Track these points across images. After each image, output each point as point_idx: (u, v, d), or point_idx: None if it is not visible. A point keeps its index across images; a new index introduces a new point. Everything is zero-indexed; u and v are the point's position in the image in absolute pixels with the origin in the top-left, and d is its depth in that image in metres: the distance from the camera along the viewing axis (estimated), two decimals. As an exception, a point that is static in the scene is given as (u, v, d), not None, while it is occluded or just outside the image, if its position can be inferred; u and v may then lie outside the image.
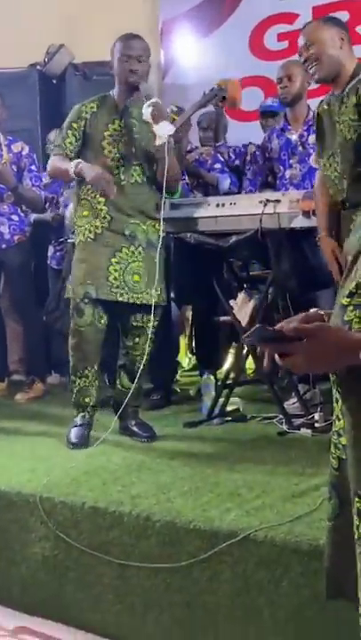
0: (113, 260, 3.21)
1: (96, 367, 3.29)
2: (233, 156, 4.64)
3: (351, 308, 1.33)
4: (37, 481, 2.71)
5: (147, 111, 3.07)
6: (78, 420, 3.28)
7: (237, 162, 4.63)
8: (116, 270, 3.21)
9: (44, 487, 2.64)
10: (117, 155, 3.21)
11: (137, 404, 3.38)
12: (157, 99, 3.15)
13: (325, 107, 2.91)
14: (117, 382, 3.42)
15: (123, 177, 3.21)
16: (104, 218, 3.23)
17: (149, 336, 3.27)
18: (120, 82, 3.25)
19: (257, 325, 1.31)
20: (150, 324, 3.24)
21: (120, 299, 3.20)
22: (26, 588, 2.63)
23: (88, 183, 3.16)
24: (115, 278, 3.21)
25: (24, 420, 3.81)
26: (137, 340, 3.30)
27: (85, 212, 3.27)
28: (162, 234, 3.25)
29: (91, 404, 3.31)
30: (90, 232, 3.25)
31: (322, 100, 3.01)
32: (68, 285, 3.40)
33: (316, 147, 3.13)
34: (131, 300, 3.21)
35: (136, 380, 3.29)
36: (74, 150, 3.26)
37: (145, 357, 3.25)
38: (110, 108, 3.26)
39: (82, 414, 3.29)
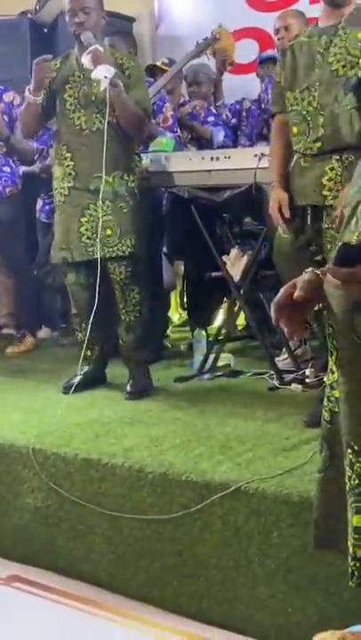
0: (82, 219, 3.22)
1: (93, 321, 3.24)
2: (230, 115, 4.59)
3: None
4: (30, 433, 2.73)
5: (86, 59, 3.04)
6: (81, 370, 3.33)
7: (234, 120, 4.58)
8: (87, 230, 3.21)
9: (36, 439, 2.66)
10: (78, 105, 3.20)
11: (137, 356, 3.38)
12: (96, 45, 3.07)
13: (305, 39, 2.77)
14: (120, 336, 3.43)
15: (84, 126, 3.19)
16: (69, 175, 3.23)
17: (133, 288, 3.28)
18: (74, 36, 3.20)
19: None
20: (122, 274, 3.25)
21: (95, 256, 3.19)
22: (19, 538, 2.66)
23: (37, 82, 3.18)
24: (88, 238, 3.22)
25: (15, 374, 3.82)
26: (120, 292, 3.30)
27: (57, 174, 3.30)
28: (132, 184, 3.23)
29: (93, 356, 3.37)
30: (60, 195, 3.29)
31: (296, 35, 2.94)
32: (52, 250, 3.43)
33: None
34: (107, 255, 3.21)
35: (122, 334, 3.34)
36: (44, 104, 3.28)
37: (135, 310, 3.30)
38: (70, 63, 3.25)
39: (85, 366, 3.35)
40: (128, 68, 3.23)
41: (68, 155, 3.24)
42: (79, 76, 3.21)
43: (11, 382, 3.64)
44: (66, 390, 3.22)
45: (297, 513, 2.05)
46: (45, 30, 5.75)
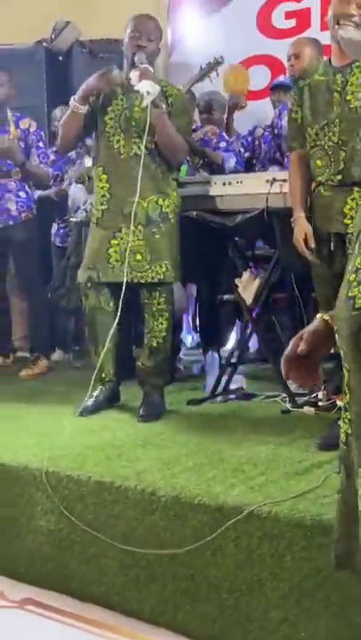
0: (113, 241, 3.23)
1: (109, 345, 3.28)
2: (243, 150, 4.62)
3: (355, 284, 1.36)
4: (43, 455, 2.73)
5: (134, 74, 3.09)
6: (94, 392, 3.33)
7: (247, 154, 4.61)
8: (116, 252, 3.22)
9: (49, 461, 2.67)
10: (118, 129, 3.22)
11: (154, 381, 3.38)
12: (147, 65, 3.13)
13: (321, 77, 2.87)
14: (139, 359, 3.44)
15: (123, 150, 3.22)
16: (103, 197, 3.26)
17: (163, 314, 3.30)
18: (126, 57, 3.25)
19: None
20: (156, 302, 3.26)
21: (122, 279, 3.19)
22: (32, 561, 2.66)
23: (89, 90, 3.20)
24: (116, 260, 3.22)
25: (29, 397, 3.84)
26: (147, 318, 3.32)
27: (96, 194, 3.32)
28: (166, 209, 3.25)
29: (107, 378, 3.37)
30: (94, 216, 3.31)
31: (305, 71, 3.01)
32: (79, 271, 3.43)
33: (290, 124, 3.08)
34: (135, 280, 3.21)
35: (142, 358, 3.35)
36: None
37: (160, 336, 3.31)
38: (110, 85, 3.26)
39: (99, 387, 3.35)
40: (171, 95, 3.27)
41: (105, 177, 3.26)
42: (122, 100, 3.24)
43: (24, 405, 3.66)
44: (80, 413, 3.23)
45: (310, 537, 2.05)
46: (61, 58, 5.87)
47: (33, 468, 2.67)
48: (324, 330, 1.44)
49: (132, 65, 3.17)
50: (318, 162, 2.87)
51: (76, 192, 4.48)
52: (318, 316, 1.50)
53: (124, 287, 3.14)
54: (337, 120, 2.80)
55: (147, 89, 3.02)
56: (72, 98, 3.29)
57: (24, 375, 4.38)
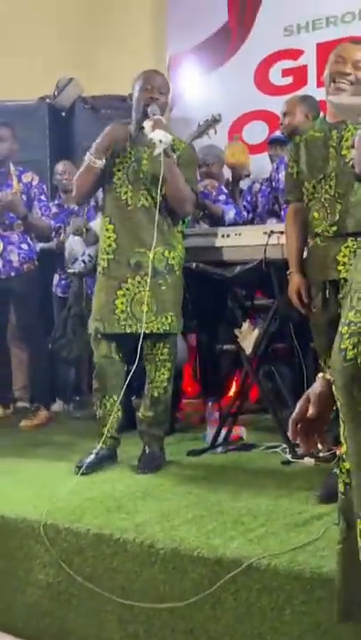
0: (119, 292, 3.25)
1: (115, 398, 3.29)
2: (246, 215, 4.69)
3: (347, 336, 1.39)
4: (42, 507, 2.72)
5: (147, 124, 3.14)
6: (95, 448, 3.29)
7: (250, 215, 4.69)
8: (122, 303, 3.24)
9: (48, 514, 2.66)
10: (126, 181, 3.27)
11: (154, 432, 3.37)
12: (160, 116, 3.19)
13: (317, 134, 2.95)
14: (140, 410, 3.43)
15: (130, 202, 3.26)
16: (109, 246, 3.29)
17: (165, 365, 3.31)
18: (137, 111, 3.29)
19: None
20: (160, 352, 3.28)
21: (129, 330, 3.21)
22: (30, 615, 2.63)
23: (103, 144, 3.26)
24: (122, 311, 3.24)
25: (28, 447, 3.83)
26: (150, 368, 3.33)
27: (102, 244, 3.35)
28: (172, 261, 3.29)
29: (109, 435, 3.31)
30: (100, 266, 3.33)
31: (296, 127, 3.08)
32: (89, 321, 3.44)
33: (285, 180, 3.16)
34: (140, 331, 3.22)
35: (143, 408, 3.35)
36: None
37: (162, 387, 3.32)
38: (124, 138, 3.32)
39: (100, 444, 3.29)
40: (179, 149, 3.31)
41: (111, 227, 3.29)
42: (130, 152, 3.29)
43: (24, 456, 3.65)
44: (79, 470, 3.17)
45: (309, 590, 2.03)
46: (63, 114, 6.00)
47: (32, 520, 2.66)
48: (327, 390, 1.47)
49: (145, 116, 3.21)
50: (316, 214, 2.92)
51: (73, 244, 4.52)
52: (320, 375, 1.52)
53: (142, 340, 3.17)
54: (333, 174, 2.87)
55: (160, 138, 3.08)
56: (87, 153, 3.33)
57: (24, 426, 4.38)
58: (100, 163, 3.28)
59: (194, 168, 3.47)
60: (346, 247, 2.85)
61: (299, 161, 3.00)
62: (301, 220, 3.01)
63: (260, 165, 4.85)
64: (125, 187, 3.27)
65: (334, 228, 2.87)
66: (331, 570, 1.84)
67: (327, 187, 2.88)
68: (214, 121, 4.10)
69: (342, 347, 1.38)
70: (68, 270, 4.49)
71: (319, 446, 1.58)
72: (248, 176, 4.92)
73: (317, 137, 2.94)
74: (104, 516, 2.62)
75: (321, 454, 3.25)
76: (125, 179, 3.28)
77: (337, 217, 2.85)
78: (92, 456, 3.26)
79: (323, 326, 2.91)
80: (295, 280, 3.01)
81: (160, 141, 3.07)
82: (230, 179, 4.88)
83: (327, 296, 2.92)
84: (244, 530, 2.41)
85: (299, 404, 1.52)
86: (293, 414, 1.52)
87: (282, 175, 4.06)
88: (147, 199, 3.24)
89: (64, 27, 6.52)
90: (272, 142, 4.72)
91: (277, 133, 4.81)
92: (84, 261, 4.40)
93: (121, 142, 3.30)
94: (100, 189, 3.44)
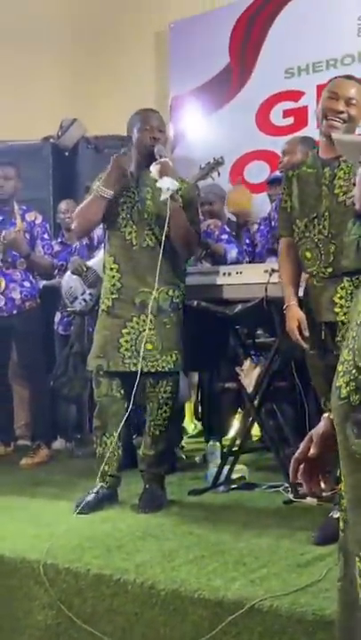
0: (124, 330, 3.26)
1: (115, 435, 3.27)
2: (247, 258, 4.72)
3: (341, 374, 1.39)
4: (42, 547, 2.70)
5: (155, 168, 3.16)
6: (95, 487, 3.26)
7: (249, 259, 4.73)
8: (127, 341, 3.25)
9: (47, 553, 2.63)
10: (130, 220, 3.29)
11: (155, 471, 3.35)
12: (167, 158, 3.22)
13: (310, 170, 2.89)
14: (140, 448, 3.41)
15: (135, 242, 3.29)
16: (113, 286, 3.30)
17: (167, 403, 3.30)
18: (139, 151, 3.32)
19: None
20: (162, 390, 3.28)
21: (133, 369, 3.21)
22: (28, 658, 2.59)
23: (111, 177, 3.28)
24: (126, 349, 3.24)
25: (29, 486, 3.81)
26: (152, 406, 3.32)
27: (105, 283, 3.37)
28: (176, 299, 3.30)
29: (109, 472, 3.28)
30: (104, 305, 3.34)
31: (293, 165, 3.07)
32: (88, 358, 3.44)
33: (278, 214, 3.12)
34: (145, 369, 3.23)
35: (144, 447, 3.33)
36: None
37: (163, 425, 3.31)
38: (127, 179, 3.35)
39: (100, 483, 3.27)
40: (181, 189, 3.30)
41: (115, 266, 3.31)
42: (134, 192, 3.32)
43: (24, 494, 3.63)
44: (79, 509, 3.15)
45: (312, 632, 2.00)
46: (67, 154, 6.08)
47: (31, 560, 2.64)
48: (331, 429, 1.46)
49: (151, 157, 3.23)
50: (307, 254, 2.86)
51: (70, 282, 4.51)
52: (325, 416, 1.52)
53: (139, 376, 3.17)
54: (326, 213, 2.80)
55: (167, 185, 3.10)
56: (96, 184, 3.34)
57: (24, 464, 4.35)
58: (110, 193, 3.30)
59: (196, 208, 3.50)
60: (342, 288, 2.77)
61: (291, 195, 2.94)
62: (295, 254, 2.93)
63: (261, 205, 4.89)
64: (130, 227, 3.30)
65: (330, 270, 2.80)
66: (333, 611, 1.82)
67: (320, 227, 2.81)
68: (217, 163, 4.14)
69: (337, 385, 1.39)
70: (68, 309, 4.50)
71: (322, 486, 1.57)
72: (249, 222, 4.96)
73: (310, 173, 2.89)
74: (104, 556, 2.60)
75: (324, 494, 3.23)
76: (129, 218, 3.30)
77: (331, 258, 2.79)
78: (93, 495, 3.24)
79: (320, 367, 2.87)
80: (293, 313, 2.91)
81: (168, 189, 3.10)
82: (233, 219, 4.92)
83: (322, 337, 2.86)
84: (245, 570, 2.39)
85: (302, 444, 1.51)
86: (296, 454, 1.52)
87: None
88: (151, 239, 3.26)
89: (68, 68, 6.66)
90: (272, 182, 4.77)
91: (277, 173, 4.87)
92: (84, 300, 4.41)
93: (123, 174, 3.32)
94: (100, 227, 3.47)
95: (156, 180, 3.16)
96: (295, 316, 2.91)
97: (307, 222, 2.86)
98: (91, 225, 3.49)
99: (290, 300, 2.95)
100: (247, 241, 4.82)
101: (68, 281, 4.44)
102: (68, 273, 4.30)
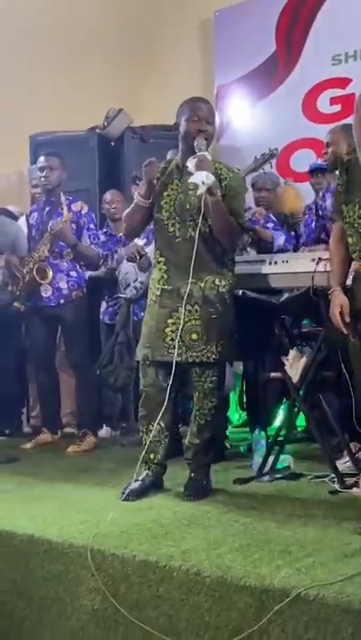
0: (169, 320, 3.27)
1: (162, 424, 3.29)
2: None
3: None
4: (88, 533, 2.73)
5: (191, 163, 3.14)
6: (141, 475, 3.29)
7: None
8: (172, 331, 3.25)
9: (94, 539, 2.66)
10: (173, 212, 3.30)
11: (200, 459, 3.35)
12: (206, 152, 3.20)
13: (356, 155, 2.85)
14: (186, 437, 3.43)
15: (178, 234, 3.29)
16: (162, 278, 3.32)
17: (213, 393, 3.30)
18: (185, 142, 3.31)
19: None
20: (208, 380, 3.28)
21: (178, 359, 3.21)
22: (74, 642, 2.63)
23: (146, 185, 3.33)
24: (171, 339, 3.25)
25: (76, 473, 3.86)
26: (198, 396, 3.32)
27: (154, 275, 3.40)
28: (223, 289, 3.29)
29: (155, 460, 3.31)
30: (152, 294, 3.36)
31: (353, 149, 3.04)
32: (137, 348, 3.47)
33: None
34: (190, 360, 3.24)
35: (190, 436, 3.34)
36: None
37: (209, 414, 3.31)
38: (171, 170, 3.36)
39: (145, 471, 3.30)
40: (226, 178, 3.30)
41: (162, 259, 3.34)
42: (177, 185, 3.32)
43: (71, 481, 3.67)
44: (124, 497, 3.19)
45: (358, 622, 1.99)
46: (112, 144, 6.09)
47: (78, 546, 2.67)
48: None
49: (191, 149, 3.23)
50: (350, 239, 2.85)
51: (127, 268, 4.59)
52: None
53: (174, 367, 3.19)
54: None
55: (202, 179, 3.07)
56: (136, 192, 3.40)
57: (71, 451, 4.41)
58: (148, 202, 3.35)
59: (241, 198, 3.46)
60: None
61: (343, 181, 2.93)
62: (346, 240, 2.92)
63: (308, 193, 4.84)
64: (173, 219, 3.30)
65: None
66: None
67: (360, 211, 2.80)
68: (271, 155, 4.11)
69: None
70: (120, 294, 4.54)
71: None
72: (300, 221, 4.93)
73: (357, 158, 2.83)
74: (150, 543, 2.62)
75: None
76: (173, 211, 3.31)
77: None
78: (138, 482, 3.27)
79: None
80: (338, 298, 2.90)
81: (203, 183, 3.08)
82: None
83: (357, 326, 2.83)
84: (291, 559, 2.38)
85: None
86: None
87: (328, 203, 4.05)
88: (194, 230, 3.25)
89: (113, 58, 6.67)
90: (313, 171, 4.72)
91: (319, 162, 4.82)
92: (135, 288, 4.46)
93: (159, 177, 3.34)
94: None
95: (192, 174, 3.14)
96: (338, 301, 2.89)
97: (351, 207, 2.84)
98: (137, 230, 3.60)
99: (335, 285, 2.93)
100: (292, 233, 4.78)
101: (125, 267, 4.49)
102: (126, 259, 4.37)
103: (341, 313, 2.86)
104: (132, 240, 4.31)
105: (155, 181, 3.34)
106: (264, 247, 4.43)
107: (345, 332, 2.88)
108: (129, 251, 4.35)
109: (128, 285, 4.60)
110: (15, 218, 5.19)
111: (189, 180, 3.15)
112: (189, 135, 3.28)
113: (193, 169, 3.13)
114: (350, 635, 2.00)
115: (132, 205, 3.45)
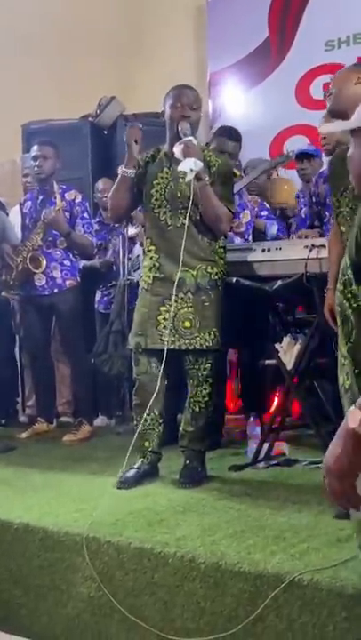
0: (162, 308, 3.27)
1: (156, 412, 3.30)
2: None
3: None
4: (84, 521, 2.74)
5: (177, 149, 3.14)
6: (136, 463, 3.31)
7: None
8: (165, 319, 3.25)
9: (90, 527, 2.68)
10: (164, 201, 3.29)
11: (195, 447, 3.36)
12: (191, 137, 3.18)
13: (343, 146, 2.90)
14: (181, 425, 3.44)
15: (169, 222, 3.29)
16: (153, 266, 3.32)
17: (207, 380, 3.30)
18: (171, 129, 3.30)
19: None
20: (202, 368, 3.28)
21: (171, 346, 3.22)
22: (71, 629, 2.64)
23: (129, 153, 3.34)
24: (164, 327, 3.25)
25: (71, 462, 3.87)
26: (192, 383, 3.33)
27: (145, 263, 3.39)
28: (215, 277, 3.29)
29: (149, 448, 3.33)
30: (144, 282, 3.36)
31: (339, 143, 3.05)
32: (129, 336, 3.48)
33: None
34: (183, 347, 3.24)
35: (184, 423, 3.35)
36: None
37: (203, 402, 3.31)
38: (160, 158, 3.35)
39: (141, 459, 3.32)
40: (215, 165, 3.30)
41: (153, 248, 3.33)
42: (167, 173, 3.30)
43: (67, 470, 3.68)
44: (120, 484, 3.21)
45: (351, 606, 2.00)
46: (105, 132, 6.06)
47: (74, 534, 2.68)
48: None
49: (177, 136, 3.23)
50: (343, 228, 2.87)
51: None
52: (352, 408, 1.52)
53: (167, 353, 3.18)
54: (351, 187, 2.73)
55: (190, 166, 3.06)
56: (119, 168, 3.38)
57: (67, 440, 4.41)
58: (132, 171, 3.34)
59: (230, 184, 3.46)
60: None
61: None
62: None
63: (298, 180, 4.85)
64: (164, 207, 3.30)
65: None
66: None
67: (347, 199, 2.82)
68: (287, 157, 4.10)
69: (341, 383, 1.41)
70: (129, 277, 4.53)
71: None
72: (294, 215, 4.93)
73: (344, 149, 2.88)
74: (145, 530, 2.63)
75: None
76: (163, 199, 3.30)
77: None
78: (134, 470, 3.28)
79: None
80: (329, 299, 2.95)
81: (190, 170, 3.07)
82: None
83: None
84: (285, 545, 2.40)
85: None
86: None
87: (321, 189, 4.05)
88: (185, 218, 3.24)
89: (105, 45, 6.63)
90: (298, 157, 4.70)
91: (305, 147, 4.82)
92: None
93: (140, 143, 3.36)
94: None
95: (180, 161, 3.13)
96: (330, 301, 2.93)
97: (338, 197, 2.87)
98: (122, 209, 3.53)
99: (331, 282, 2.96)
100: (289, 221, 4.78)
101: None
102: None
103: (331, 312, 2.88)
104: (118, 223, 4.30)
105: (135, 145, 3.34)
106: (257, 236, 4.43)
107: (335, 329, 2.89)
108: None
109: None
110: (3, 208, 5.17)
111: (178, 169, 3.14)
112: (173, 121, 3.27)
113: (180, 155, 3.12)
114: (344, 619, 2.01)
115: (116, 181, 3.44)
